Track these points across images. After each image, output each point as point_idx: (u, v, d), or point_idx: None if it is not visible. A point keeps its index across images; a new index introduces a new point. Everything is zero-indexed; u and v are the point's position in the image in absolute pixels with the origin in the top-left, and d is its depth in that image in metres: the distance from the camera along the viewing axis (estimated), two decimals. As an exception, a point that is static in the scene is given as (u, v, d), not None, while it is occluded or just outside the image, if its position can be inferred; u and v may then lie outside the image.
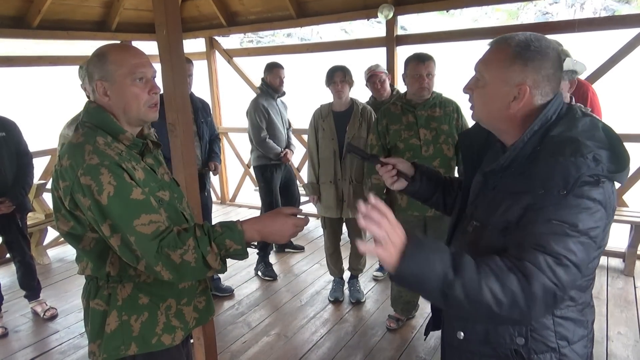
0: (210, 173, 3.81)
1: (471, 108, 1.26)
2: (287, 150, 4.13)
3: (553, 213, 1.03)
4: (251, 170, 5.06)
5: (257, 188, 5.74)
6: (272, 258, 4.46)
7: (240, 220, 1.40)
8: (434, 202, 1.58)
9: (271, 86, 4.04)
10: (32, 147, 3.57)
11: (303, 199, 4.47)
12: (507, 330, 1.18)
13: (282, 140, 4.11)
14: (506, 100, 1.15)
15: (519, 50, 1.13)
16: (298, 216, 1.42)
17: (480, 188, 1.29)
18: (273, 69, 4.03)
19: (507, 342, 1.19)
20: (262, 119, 3.98)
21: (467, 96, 1.25)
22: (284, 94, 4.16)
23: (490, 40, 1.21)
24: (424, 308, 3.33)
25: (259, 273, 4.19)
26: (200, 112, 3.62)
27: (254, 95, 4.22)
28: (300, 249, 4.68)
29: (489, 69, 1.17)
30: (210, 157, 3.80)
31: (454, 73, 4.87)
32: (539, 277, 1.00)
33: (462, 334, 1.26)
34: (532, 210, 1.07)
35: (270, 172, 4.13)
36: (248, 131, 4.10)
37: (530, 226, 1.05)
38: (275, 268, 4.26)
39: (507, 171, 1.19)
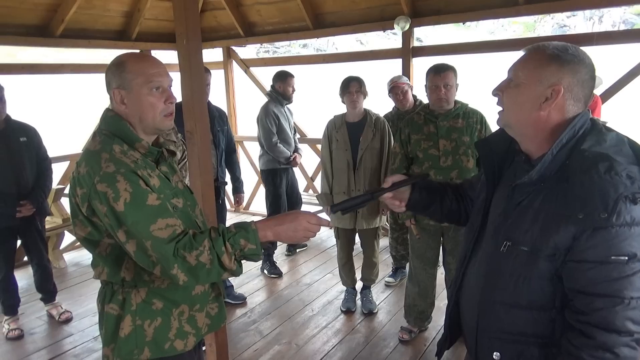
0: (227, 181, 3.89)
1: (499, 112, 1.23)
2: (296, 154, 4.33)
3: (607, 248, 1.02)
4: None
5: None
6: (284, 267, 4.49)
7: (254, 221, 1.41)
8: (431, 212, 1.58)
9: (284, 94, 4.22)
10: (52, 153, 3.65)
11: (308, 206, 4.52)
12: (543, 352, 1.17)
13: (291, 144, 4.31)
14: (538, 102, 1.14)
15: (557, 53, 1.13)
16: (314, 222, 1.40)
17: (506, 203, 1.24)
18: (287, 78, 4.22)
19: None
20: (273, 124, 4.16)
21: (492, 107, 1.24)
22: (291, 101, 4.33)
23: (526, 47, 1.20)
24: (437, 320, 3.30)
25: (265, 271, 4.37)
26: (217, 121, 3.67)
27: (269, 103, 4.30)
28: (303, 245, 4.88)
29: (525, 67, 1.17)
30: (235, 187, 4.03)
31: (469, 85, 4.85)
32: (619, 341, 1.03)
33: (498, 354, 1.22)
34: (581, 242, 1.05)
35: (280, 177, 4.31)
36: (258, 136, 4.27)
37: (588, 272, 1.05)
38: (288, 277, 4.29)
39: (537, 187, 1.15)
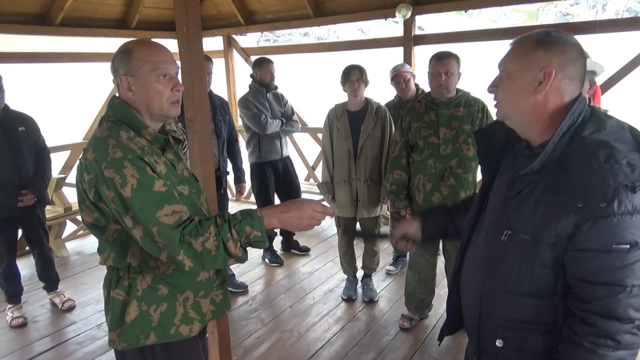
0: (229, 170, 3.89)
1: (496, 106, 1.25)
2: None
3: (609, 237, 1.03)
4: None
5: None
6: (285, 256, 4.51)
7: (260, 208, 1.42)
8: (451, 235, 1.62)
9: (261, 81, 4.06)
10: (52, 142, 3.64)
11: (309, 195, 4.49)
12: (545, 339, 1.18)
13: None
14: (532, 87, 1.15)
15: (541, 37, 1.15)
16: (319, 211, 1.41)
17: (506, 192, 1.24)
18: (263, 64, 4.06)
19: (543, 351, 1.19)
20: (254, 107, 3.96)
21: (492, 95, 1.25)
22: (276, 88, 4.15)
23: (511, 41, 1.22)
24: (437, 308, 3.32)
25: (266, 260, 4.38)
26: (219, 110, 3.66)
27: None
28: (306, 250, 4.61)
29: (512, 59, 1.19)
30: (237, 177, 3.99)
31: (471, 73, 4.82)
32: (620, 328, 1.04)
33: (501, 341, 1.24)
34: (583, 231, 1.05)
35: (265, 171, 4.14)
36: (245, 130, 4.15)
37: (591, 261, 1.06)
38: (289, 266, 4.32)
39: (537, 175, 1.15)
